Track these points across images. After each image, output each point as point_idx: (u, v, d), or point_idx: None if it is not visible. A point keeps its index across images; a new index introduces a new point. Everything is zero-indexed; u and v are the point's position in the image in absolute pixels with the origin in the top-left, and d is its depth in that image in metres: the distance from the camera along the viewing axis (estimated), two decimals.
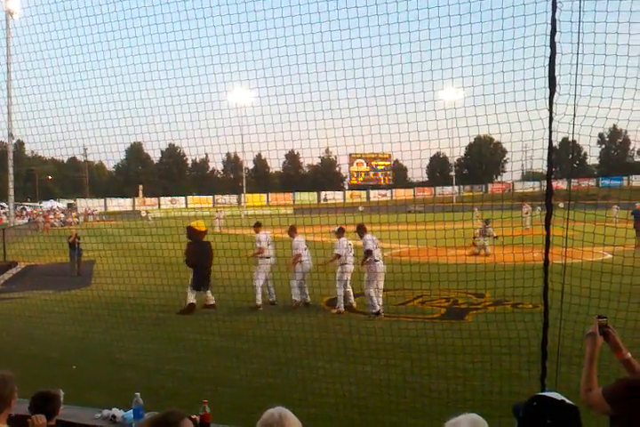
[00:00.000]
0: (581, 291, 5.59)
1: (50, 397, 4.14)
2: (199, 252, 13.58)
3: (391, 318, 11.00)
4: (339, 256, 13.01)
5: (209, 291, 13.56)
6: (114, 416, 4.90)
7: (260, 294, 13.37)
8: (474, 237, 21.65)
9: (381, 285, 12.10)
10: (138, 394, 4.84)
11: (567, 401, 2.35)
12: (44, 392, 4.16)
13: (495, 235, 21.43)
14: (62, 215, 59.39)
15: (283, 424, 2.83)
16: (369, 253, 12.28)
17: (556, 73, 4.60)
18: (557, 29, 4.54)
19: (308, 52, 6.57)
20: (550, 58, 4.59)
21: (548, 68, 4.62)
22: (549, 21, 4.55)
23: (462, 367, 7.53)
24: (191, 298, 13.38)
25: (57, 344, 10.33)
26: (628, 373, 3.39)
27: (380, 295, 12.08)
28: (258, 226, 14.37)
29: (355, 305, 13.04)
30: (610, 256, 14.98)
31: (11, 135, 24.88)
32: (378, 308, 11.92)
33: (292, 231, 13.94)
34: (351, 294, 13.19)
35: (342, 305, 12.70)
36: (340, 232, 13.35)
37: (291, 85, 6.92)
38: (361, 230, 12.78)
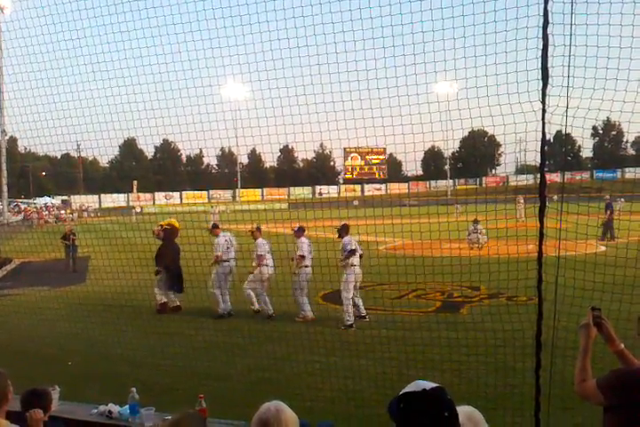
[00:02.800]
0: (575, 283, 5.62)
1: (41, 393, 4.14)
2: (173, 252, 13.42)
3: (386, 312, 11.02)
4: (303, 257, 11.90)
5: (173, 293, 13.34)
6: (110, 412, 4.91)
7: (222, 301, 12.53)
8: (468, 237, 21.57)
9: (352, 292, 11.28)
10: (134, 389, 4.85)
11: (428, 387, 2.25)
12: (34, 389, 4.15)
13: (484, 231, 21.38)
14: (60, 212, 59.12)
15: (279, 418, 2.84)
16: (352, 252, 11.29)
17: (549, 65, 4.60)
18: (550, 21, 4.52)
19: (301, 45, 6.55)
20: (543, 50, 4.58)
21: (540, 59, 4.61)
22: (542, 13, 4.54)
23: (457, 360, 7.56)
24: (162, 298, 13.16)
25: (52, 341, 10.31)
26: (621, 364, 3.41)
27: (351, 302, 11.17)
28: (215, 228, 13.35)
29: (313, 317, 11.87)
30: (604, 248, 15.04)
31: (3, 131, 24.79)
32: (352, 320, 11.03)
33: (257, 232, 12.71)
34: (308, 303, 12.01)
35: (309, 311, 11.75)
36: (300, 232, 12.24)
37: (284, 79, 6.91)
38: (343, 230, 11.66)
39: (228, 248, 12.90)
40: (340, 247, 11.44)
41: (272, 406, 2.92)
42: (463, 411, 2.62)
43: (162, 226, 13.79)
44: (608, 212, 23.09)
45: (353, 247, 11.34)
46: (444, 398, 2.25)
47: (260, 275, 12.23)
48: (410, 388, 2.29)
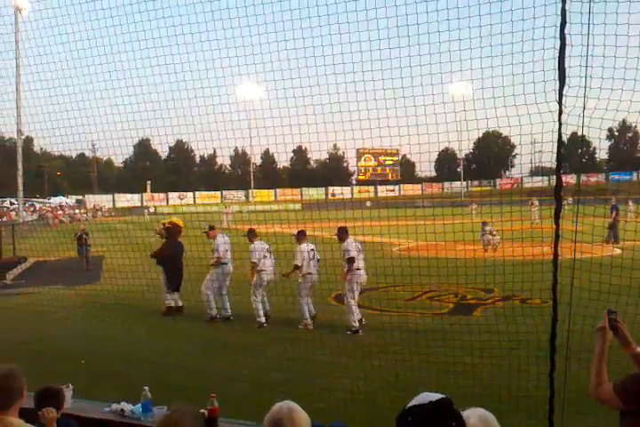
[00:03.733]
0: (591, 285, 5.56)
1: (53, 392, 4.17)
2: (176, 250, 13.37)
3: (399, 313, 10.98)
4: (297, 268, 11.40)
5: (177, 293, 13.19)
6: (122, 410, 4.92)
7: (213, 303, 12.12)
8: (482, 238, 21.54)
9: (357, 296, 11.00)
10: (146, 388, 4.86)
11: (434, 399, 2.26)
12: (47, 388, 4.19)
13: (494, 233, 21.26)
14: (71, 211, 59.60)
15: (292, 418, 2.83)
16: (351, 260, 10.80)
17: (566, 65, 4.55)
18: (567, 21, 4.47)
19: (316, 45, 6.55)
20: (560, 50, 4.54)
21: (557, 60, 4.57)
22: (559, 13, 4.50)
23: (471, 362, 7.51)
24: (170, 302, 12.98)
25: (66, 339, 10.38)
26: (637, 368, 3.37)
27: (354, 306, 10.83)
28: (212, 229, 12.79)
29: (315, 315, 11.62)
30: (619, 251, 14.91)
31: (20, 131, 24.99)
32: (357, 325, 10.64)
33: (251, 235, 12.21)
34: (311, 305, 11.66)
35: (310, 320, 11.34)
36: (301, 236, 11.69)
37: (298, 79, 6.90)
38: (342, 234, 11.16)
39: (226, 250, 12.48)
40: (342, 252, 11.00)
41: (284, 405, 2.91)
42: (476, 413, 2.61)
43: (164, 224, 13.80)
44: (614, 213, 22.92)
45: (352, 254, 10.80)
46: (451, 408, 2.27)
47: (259, 278, 11.82)
48: (416, 401, 2.31)
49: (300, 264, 11.38)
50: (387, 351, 8.19)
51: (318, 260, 11.74)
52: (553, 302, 4.93)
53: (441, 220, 7.58)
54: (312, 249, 11.67)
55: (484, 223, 21.65)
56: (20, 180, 30.41)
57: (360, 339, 9.12)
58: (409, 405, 2.32)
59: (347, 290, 10.89)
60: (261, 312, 11.65)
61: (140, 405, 4.87)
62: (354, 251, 10.92)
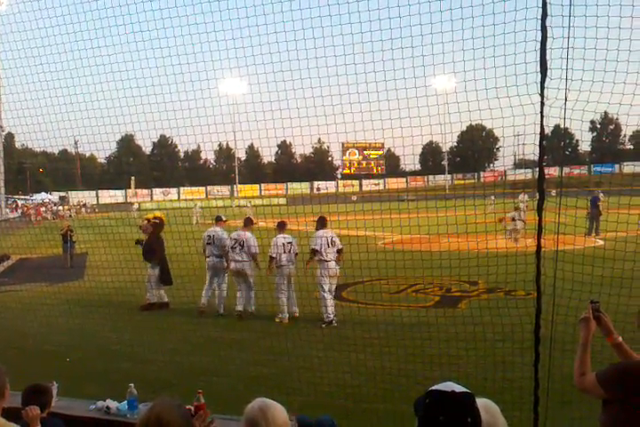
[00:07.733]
0: (574, 276, 5.60)
1: (42, 389, 4.15)
2: (160, 246, 13.38)
3: (385, 307, 11.01)
4: (272, 259, 11.56)
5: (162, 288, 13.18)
6: (108, 408, 4.90)
7: (206, 296, 12.23)
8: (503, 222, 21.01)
9: (333, 288, 11.19)
10: (132, 385, 4.84)
11: (457, 390, 2.24)
12: (35, 385, 4.16)
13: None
14: (58, 208, 59.02)
15: (266, 416, 2.88)
16: (314, 252, 11.00)
17: (548, 57, 4.57)
18: (548, 13, 4.50)
19: (298, 38, 6.51)
20: (541, 42, 4.55)
21: (539, 52, 4.59)
22: (540, 5, 4.52)
23: (456, 354, 7.55)
24: (153, 297, 13.02)
25: (51, 337, 10.30)
26: (619, 357, 3.40)
27: (331, 300, 11.05)
28: (219, 220, 13.01)
29: (296, 315, 11.68)
30: (602, 242, 15.05)
31: (0, 127, 24.70)
32: (331, 317, 10.81)
33: (249, 223, 12.51)
34: (294, 298, 11.80)
35: (286, 315, 11.43)
36: (281, 228, 11.87)
37: (281, 72, 6.86)
38: (320, 223, 11.28)
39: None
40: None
41: (256, 404, 2.93)
42: (479, 402, 2.61)
43: (149, 220, 13.70)
44: (588, 206, 23.18)
45: (314, 246, 10.97)
46: (472, 403, 2.25)
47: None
48: (439, 386, 2.29)
49: (274, 256, 11.50)
50: (372, 345, 8.21)
51: (296, 253, 11.81)
52: (537, 294, 4.96)
53: (427, 212, 7.59)
54: (289, 242, 11.71)
55: (517, 208, 21.35)
56: (1, 176, 30.10)
57: (345, 332, 9.11)
58: (431, 388, 2.29)
59: (317, 283, 10.96)
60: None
61: (125, 402, 4.85)
62: (319, 243, 10.93)
